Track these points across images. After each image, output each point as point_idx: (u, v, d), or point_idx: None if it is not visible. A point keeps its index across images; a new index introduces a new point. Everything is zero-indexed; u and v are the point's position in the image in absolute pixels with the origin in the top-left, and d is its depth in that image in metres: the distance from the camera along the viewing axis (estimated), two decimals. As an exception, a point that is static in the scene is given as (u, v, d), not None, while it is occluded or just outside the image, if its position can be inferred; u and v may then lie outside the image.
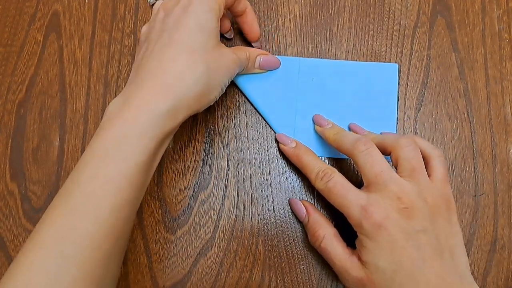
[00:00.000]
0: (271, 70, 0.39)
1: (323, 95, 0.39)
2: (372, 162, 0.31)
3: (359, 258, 0.30)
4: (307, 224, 0.35)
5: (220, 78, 0.32)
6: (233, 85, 0.40)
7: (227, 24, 0.39)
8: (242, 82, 0.39)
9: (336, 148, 0.35)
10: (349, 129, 0.38)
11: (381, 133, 0.38)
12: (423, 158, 0.32)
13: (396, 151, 0.32)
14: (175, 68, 0.30)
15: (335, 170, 0.33)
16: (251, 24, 0.38)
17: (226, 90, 0.39)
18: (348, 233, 0.32)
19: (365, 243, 0.30)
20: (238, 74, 0.39)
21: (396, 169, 0.32)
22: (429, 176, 0.32)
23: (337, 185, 0.31)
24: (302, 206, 0.36)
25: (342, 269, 0.31)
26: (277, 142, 0.38)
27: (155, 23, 0.33)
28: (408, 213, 0.29)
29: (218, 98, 0.33)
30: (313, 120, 0.38)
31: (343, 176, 0.32)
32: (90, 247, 0.26)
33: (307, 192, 0.38)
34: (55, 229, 0.26)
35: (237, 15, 0.37)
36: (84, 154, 0.28)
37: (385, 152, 0.33)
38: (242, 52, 0.36)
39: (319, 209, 0.37)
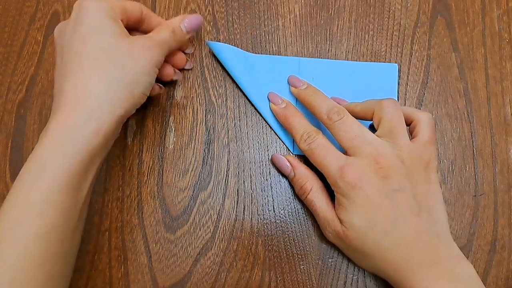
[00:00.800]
0: (197, 29, 0.37)
1: None
2: (345, 129, 0.32)
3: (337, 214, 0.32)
4: (293, 178, 0.36)
5: (138, 71, 0.30)
6: (233, 84, 0.40)
7: (169, 69, 0.36)
8: (243, 82, 0.39)
9: (309, 110, 0.35)
10: None
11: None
12: (412, 123, 0.34)
13: (378, 113, 0.33)
14: (81, 79, 0.29)
15: (320, 132, 0.34)
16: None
17: (226, 90, 0.40)
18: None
19: (341, 202, 0.31)
20: (238, 74, 0.39)
21: (377, 130, 0.33)
22: (414, 137, 0.33)
23: (319, 147, 0.33)
24: (286, 160, 0.36)
25: (323, 221, 0.33)
26: (276, 150, 0.38)
27: (56, 41, 0.32)
28: (385, 173, 0.30)
29: (147, 93, 0.32)
30: (288, 82, 0.39)
31: (327, 139, 0.33)
32: (22, 278, 0.25)
33: (307, 192, 0.38)
34: None
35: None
36: (17, 176, 0.27)
37: (369, 116, 0.34)
38: (162, 31, 0.33)
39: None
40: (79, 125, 0.28)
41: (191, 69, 0.39)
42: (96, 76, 0.29)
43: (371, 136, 0.32)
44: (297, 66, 0.39)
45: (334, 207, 0.33)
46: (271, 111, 0.38)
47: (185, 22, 0.35)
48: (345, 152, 0.32)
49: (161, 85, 0.37)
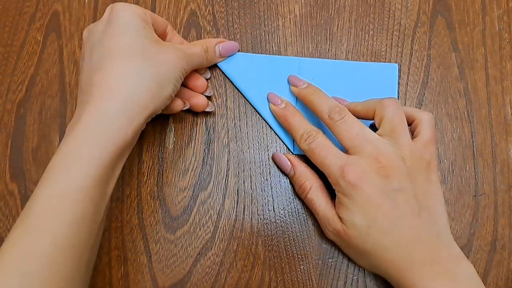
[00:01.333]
0: (231, 55, 0.39)
1: None
2: (346, 128, 0.32)
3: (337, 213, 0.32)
4: (293, 177, 0.36)
5: (166, 74, 0.31)
6: (233, 85, 0.40)
7: (179, 104, 0.36)
8: (242, 83, 0.39)
9: (310, 109, 0.36)
10: None
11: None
12: (413, 123, 0.34)
13: (379, 112, 0.33)
14: (112, 72, 0.29)
15: (320, 131, 0.34)
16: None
17: (226, 90, 0.40)
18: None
19: (342, 201, 0.31)
20: (238, 75, 0.39)
21: (378, 129, 0.33)
22: (415, 137, 0.33)
23: (319, 146, 0.33)
24: (287, 159, 0.37)
25: (323, 220, 0.33)
26: (277, 153, 0.38)
27: (85, 42, 0.33)
28: (386, 172, 0.30)
29: (173, 96, 0.32)
30: (288, 81, 0.39)
31: (328, 138, 0.33)
32: (50, 266, 0.25)
33: (307, 192, 0.38)
34: (16, 250, 0.25)
35: None
36: (47, 168, 0.28)
37: (370, 116, 0.34)
38: (196, 47, 0.35)
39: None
40: (112, 117, 0.28)
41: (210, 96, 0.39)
42: (128, 70, 0.29)
43: (373, 135, 0.32)
44: (297, 66, 0.39)
45: (334, 206, 0.33)
46: (271, 111, 0.38)
47: (221, 45, 0.37)
48: (346, 152, 0.32)
49: (186, 101, 0.37)
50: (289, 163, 0.36)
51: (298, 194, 0.36)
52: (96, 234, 0.29)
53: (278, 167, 0.38)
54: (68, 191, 0.26)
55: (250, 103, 0.39)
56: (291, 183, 0.38)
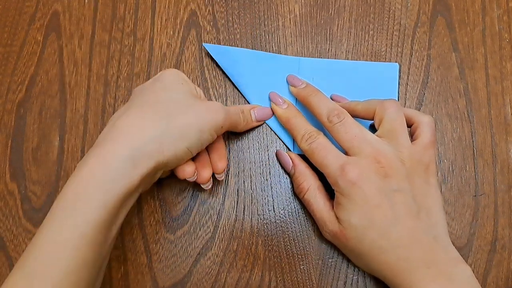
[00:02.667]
0: (265, 120, 0.38)
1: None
2: (345, 130, 0.32)
3: (335, 214, 0.32)
4: (293, 176, 0.36)
5: (191, 125, 0.30)
6: (233, 85, 0.40)
7: (189, 171, 0.33)
8: (242, 82, 0.39)
9: (309, 110, 0.36)
10: (332, 99, 0.38)
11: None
12: (413, 125, 0.34)
13: (379, 113, 0.33)
14: (133, 119, 0.30)
15: (321, 133, 0.34)
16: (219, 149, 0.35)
17: (226, 90, 0.40)
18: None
19: (340, 200, 0.31)
20: (237, 74, 0.39)
21: (378, 130, 0.33)
22: (415, 140, 0.33)
23: (319, 146, 0.33)
24: (289, 157, 0.37)
25: (321, 221, 0.34)
26: (277, 155, 0.38)
27: (132, 94, 0.34)
28: (385, 173, 0.30)
29: (194, 152, 0.31)
30: (287, 80, 0.39)
31: (328, 140, 0.33)
32: None
33: (307, 192, 0.38)
34: None
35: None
36: (49, 211, 0.27)
37: (370, 116, 0.34)
38: (233, 108, 0.35)
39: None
40: (120, 162, 0.27)
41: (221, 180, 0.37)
42: (147, 120, 0.29)
43: (372, 137, 0.32)
44: (297, 66, 0.39)
45: (332, 207, 0.33)
46: (272, 110, 0.38)
47: (256, 110, 0.37)
48: (345, 153, 0.32)
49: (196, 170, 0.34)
50: (290, 162, 0.36)
51: (296, 193, 0.36)
52: (97, 276, 0.28)
53: (280, 164, 0.38)
54: (68, 237, 0.26)
55: (247, 100, 0.39)
56: (291, 183, 0.38)
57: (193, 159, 0.33)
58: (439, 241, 0.30)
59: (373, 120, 0.34)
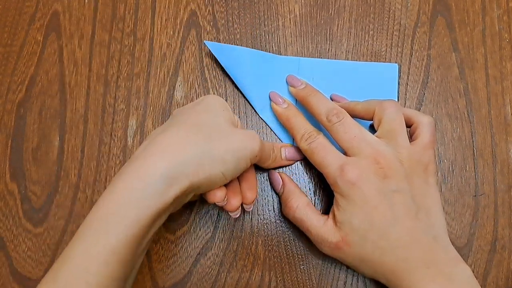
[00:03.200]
0: (295, 161, 0.38)
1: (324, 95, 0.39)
2: (344, 130, 0.32)
3: (334, 221, 0.32)
4: (282, 196, 0.36)
5: (227, 151, 0.29)
6: (233, 85, 0.40)
7: (220, 196, 0.33)
8: (242, 81, 0.39)
9: (308, 110, 0.36)
10: (332, 99, 0.38)
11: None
12: (412, 125, 0.34)
13: (379, 113, 0.33)
14: (176, 137, 0.29)
15: (321, 133, 0.34)
16: (250, 179, 0.34)
17: (226, 90, 0.40)
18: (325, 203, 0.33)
19: (340, 202, 0.31)
20: (237, 73, 0.39)
21: (377, 130, 0.33)
22: (414, 140, 0.33)
23: (319, 146, 0.33)
24: (279, 177, 0.36)
25: (317, 237, 0.32)
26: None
27: (173, 115, 0.34)
28: (384, 173, 0.30)
29: (226, 175, 0.30)
30: (286, 80, 0.39)
31: (328, 140, 0.33)
32: None
33: (307, 192, 0.38)
34: None
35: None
36: (83, 223, 0.27)
37: (370, 116, 0.34)
38: (268, 143, 0.35)
39: (319, 199, 0.37)
40: (155, 179, 0.27)
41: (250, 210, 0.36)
42: (189, 139, 0.29)
43: (371, 137, 0.32)
44: (297, 66, 0.39)
45: (327, 219, 0.32)
46: (271, 110, 0.38)
47: (288, 149, 0.37)
48: (344, 154, 0.32)
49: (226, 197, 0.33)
50: (280, 181, 0.36)
51: (285, 214, 0.35)
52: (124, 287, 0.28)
53: (271, 184, 0.38)
54: (100, 251, 0.26)
55: (247, 100, 0.39)
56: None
57: (225, 185, 0.32)
58: (438, 241, 0.30)
59: (372, 120, 0.34)
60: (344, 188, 0.30)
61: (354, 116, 0.34)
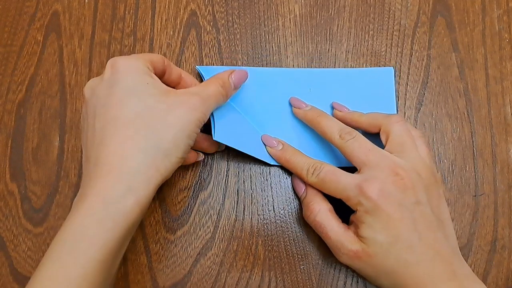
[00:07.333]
0: (242, 83, 0.36)
1: (322, 105, 0.38)
2: (359, 145, 0.32)
3: (356, 233, 0.31)
4: (304, 199, 0.35)
5: (176, 135, 0.28)
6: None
7: (193, 156, 0.36)
8: (237, 101, 0.38)
9: (317, 130, 0.36)
10: (332, 107, 0.38)
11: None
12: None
13: (387, 127, 0.33)
14: (117, 147, 0.28)
15: (324, 162, 0.34)
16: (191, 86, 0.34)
17: (226, 90, 0.39)
18: (343, 212, 0.33)
19: (364, 219, 0.30)
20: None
21: (385, 145, 0.33)
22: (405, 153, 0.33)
23: (328, 173, 0.32)
24: (302, 182, 0.36)
25: (337, 243, 0.31)
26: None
27: (88, 101, 0.31)
28: (404, 185, 0.30)
29: (185, 154, 0.30)
30: (289, 103, 0.38)
31: (333, 166, 0.33)
32: None
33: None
34: None
35: (174, 85, 0.34)
36: (49, 247, 0.26)
37: (374, 129, 0.34)
38: (211, 86, 0.32)
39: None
40: (119, 198, 0.26)
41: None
42: (132, 144, 0.28)
43: (385, 152, 0.32)
44: (293, 78, 0.39)
45: (346, 228, 0.32)
46: (269, 126, 0.38)
47: (233, 75, 0.34)
48: (356, 172, 0.32)
49: (199, 152, 0.36)
50: (303, 186, 0.36)
51: (305, 217, 0.35)
52: None
53: (293, 188, 0.37)
54: (71, 278, 0.25)
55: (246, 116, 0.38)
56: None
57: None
58: (455, 253, 0.30)
59: (374, 133, 0.34)
60: (369, 205, 0.30)
61: (357, 128, 0.34)
